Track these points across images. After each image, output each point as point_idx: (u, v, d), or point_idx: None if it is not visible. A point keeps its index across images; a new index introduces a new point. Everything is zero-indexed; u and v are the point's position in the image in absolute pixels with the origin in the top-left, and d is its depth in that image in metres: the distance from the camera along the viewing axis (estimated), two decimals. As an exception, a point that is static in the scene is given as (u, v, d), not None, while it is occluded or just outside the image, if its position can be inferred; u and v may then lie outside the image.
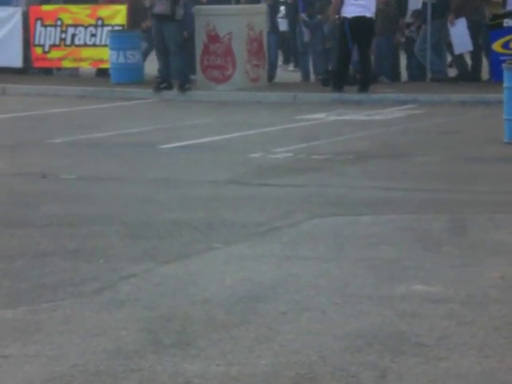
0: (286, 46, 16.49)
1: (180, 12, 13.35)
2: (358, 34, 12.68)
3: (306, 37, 14.41)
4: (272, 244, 5.94)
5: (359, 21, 12.64)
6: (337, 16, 12.99)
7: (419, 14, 13.72)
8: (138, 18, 15.18)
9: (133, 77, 14.62)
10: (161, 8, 13.26)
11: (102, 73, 15.46)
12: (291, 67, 16.50)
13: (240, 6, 14.58)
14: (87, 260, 5.62)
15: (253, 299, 4.89)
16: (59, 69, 15.97)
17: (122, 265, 5.51)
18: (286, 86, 13.96)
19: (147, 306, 4.80)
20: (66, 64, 15.67)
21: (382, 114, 11.67)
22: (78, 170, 8.52)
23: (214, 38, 13.67)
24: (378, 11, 13.27)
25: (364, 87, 12.90)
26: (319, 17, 13.97)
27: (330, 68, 14.02)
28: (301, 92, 13.30)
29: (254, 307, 4.78)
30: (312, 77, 14.66)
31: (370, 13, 12.80)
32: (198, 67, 13.86)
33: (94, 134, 10.70)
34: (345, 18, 12.73)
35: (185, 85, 13.48)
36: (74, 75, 15.74)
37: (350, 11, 12.77)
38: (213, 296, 4.94)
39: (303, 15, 14.45)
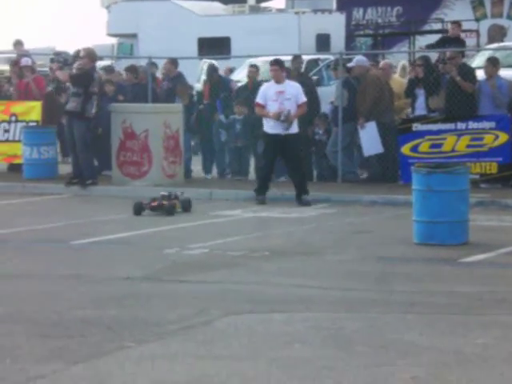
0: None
1: (90, 109, 13.39)
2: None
3: (223, 136, 14.66)
4: (185, 343, 5.85)
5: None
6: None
7: (326, 118, 14.07)
8: (53, 115, 15.14)
9: (46, 172, 14.50)
10: (72, 105, 13.34)
11: (15, 168, 15.29)
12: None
13: (156, 105, 14.73)
14: (-7, 360, 5.43)
15: (164, 401, 4.78)
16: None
17: (30, 365, 5.34)
18: (203, 183, 14.04)
19: (54, 409, 4.64)
20: (-21, 159, 15.49)
21: (296, 212, 11.79)
22: (-14, 267, 8.31)
23: (130, 134, 13.73)
24: None
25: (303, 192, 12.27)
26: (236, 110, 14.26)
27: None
28: (217, 188, 13.39)
29: (165, 409, 4.66)
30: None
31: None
32: (114, 163, 13.86)
33: (3, 229, 10.46)
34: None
35: (87, 181, 13.47)
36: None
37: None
38: (123, 398, 4.81)
39: (221, 116, 14.72)
